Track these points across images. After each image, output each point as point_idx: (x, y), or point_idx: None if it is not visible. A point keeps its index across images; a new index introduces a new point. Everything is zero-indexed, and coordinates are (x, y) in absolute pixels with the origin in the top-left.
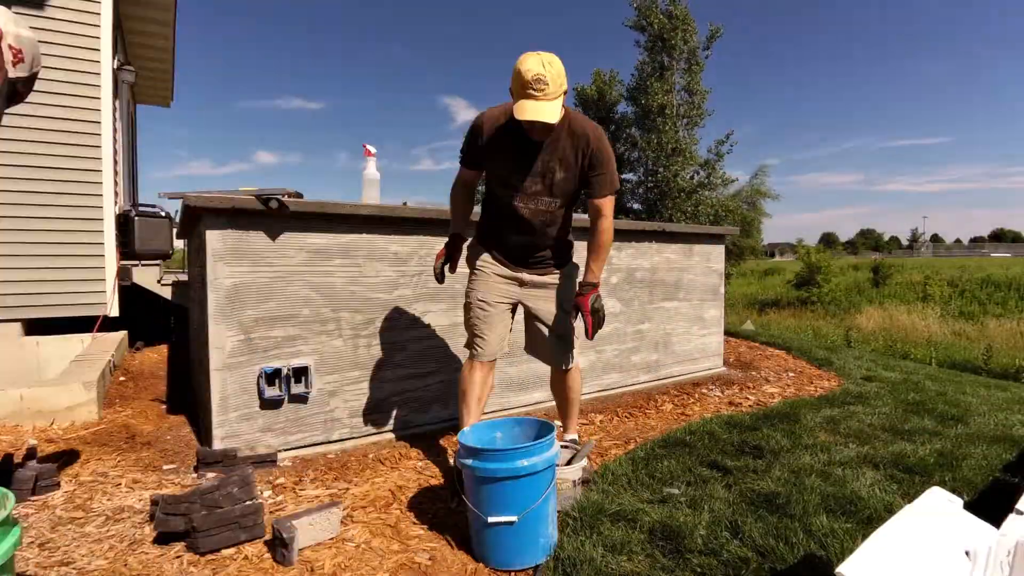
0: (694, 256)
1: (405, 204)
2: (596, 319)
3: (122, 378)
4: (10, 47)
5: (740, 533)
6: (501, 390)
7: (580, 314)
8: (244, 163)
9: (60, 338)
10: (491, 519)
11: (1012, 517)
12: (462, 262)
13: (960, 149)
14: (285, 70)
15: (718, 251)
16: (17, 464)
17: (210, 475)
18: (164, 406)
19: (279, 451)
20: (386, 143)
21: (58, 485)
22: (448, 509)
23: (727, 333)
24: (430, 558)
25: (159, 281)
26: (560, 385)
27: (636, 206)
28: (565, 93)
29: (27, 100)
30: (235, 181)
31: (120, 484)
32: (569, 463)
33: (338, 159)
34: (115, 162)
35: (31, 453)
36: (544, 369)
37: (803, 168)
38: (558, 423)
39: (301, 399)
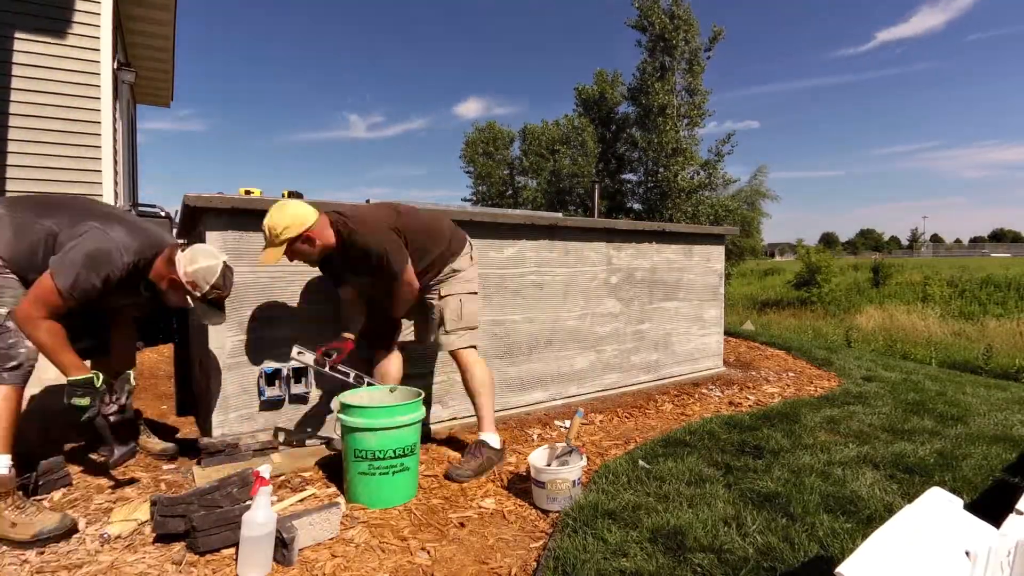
0: (694, 256)
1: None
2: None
3: None
4: (188, 283)
5: (740, 533)
6: (501, 390)
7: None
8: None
9: None
10: None
11: (1012, 517)
12: None
13: None
14: None
15: (718, 251)
16: None
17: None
18: (167, 407)
19: (281, 447)
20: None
21: (57, 485)
22: (448, 508)
23: (727, 333)
24: (430, 558)
25: None
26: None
27: (636, 206)
28: (297, 237)
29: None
30: (383, 147)
31: (120, 483)
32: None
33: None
34: (115, 162)
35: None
36: (544, 369)
37: None
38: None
39: (302, 399)
